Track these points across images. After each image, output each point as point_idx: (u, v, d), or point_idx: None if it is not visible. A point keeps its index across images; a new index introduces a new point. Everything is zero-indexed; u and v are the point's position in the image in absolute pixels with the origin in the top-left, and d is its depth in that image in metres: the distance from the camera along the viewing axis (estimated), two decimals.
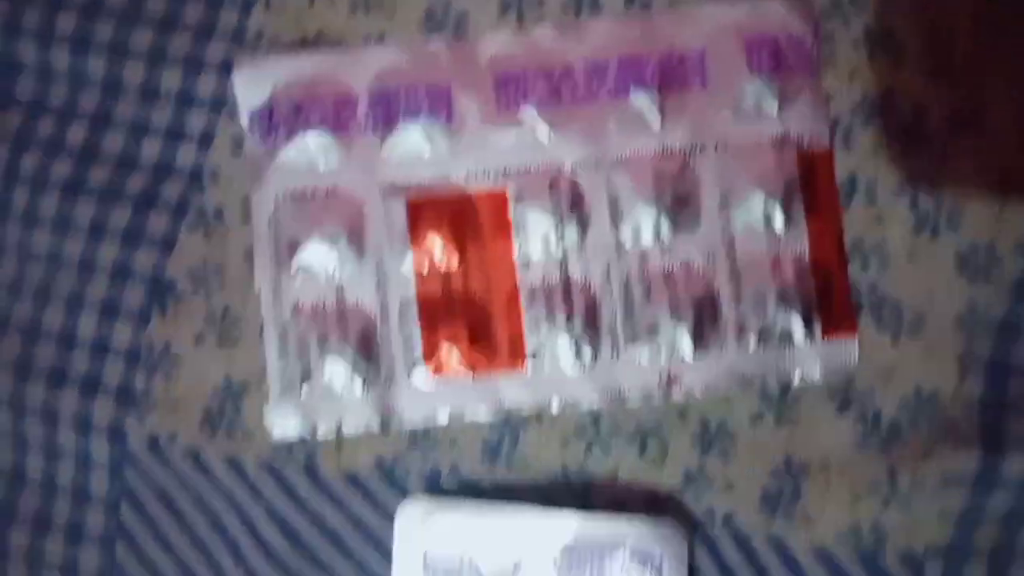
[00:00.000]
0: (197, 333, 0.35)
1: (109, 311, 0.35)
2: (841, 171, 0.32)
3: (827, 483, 0.31)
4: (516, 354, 0.32)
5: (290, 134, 0.33)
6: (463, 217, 0.32)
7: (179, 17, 0.36)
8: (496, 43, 0.33)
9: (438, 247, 0.32)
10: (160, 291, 0.35)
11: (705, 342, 0.31)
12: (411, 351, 0.32)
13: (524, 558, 0.33)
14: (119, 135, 0.36)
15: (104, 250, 0.35)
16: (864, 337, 0.30)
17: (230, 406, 0.34)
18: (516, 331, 0.32)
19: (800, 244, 0.31)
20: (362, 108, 0.33)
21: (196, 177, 0.35)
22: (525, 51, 0.33)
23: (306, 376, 0.32)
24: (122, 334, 0.35)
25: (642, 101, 0.32)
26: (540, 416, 0.33)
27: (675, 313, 0.31)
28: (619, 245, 0.32)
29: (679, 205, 0.32)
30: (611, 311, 0.32)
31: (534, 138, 0.32)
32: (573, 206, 0.32)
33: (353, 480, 0.34)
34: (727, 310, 0.32)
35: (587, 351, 0.31)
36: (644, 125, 0.32)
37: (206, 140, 0.35)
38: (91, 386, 0.35)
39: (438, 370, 0.32)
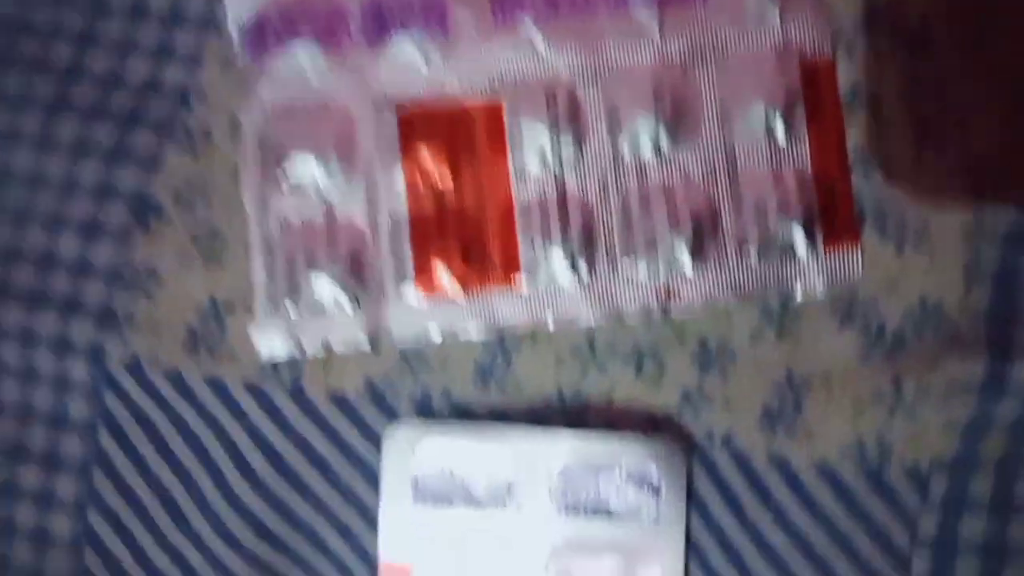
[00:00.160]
0: (181, 253, 0.36)
1: (91, 231, 0.36)
2: (844, 81, 0.33)
3: (829, 397, 0.31)
4: (510, 270, 0.32)
5: (280, 47, 0.34)
6: (457, 131, 0.33)
7: None
8: None
9: (430, 161, 0.33)
10: (144, 211, 0.36)
11: (704, 256, 0.32)
12: (402, 268, 0.33)
13: (517, 480, 0.33)
14: (105, 54, 0.37)
15: (87, 169, 0.36)
16: (868, 248, 0.30)
17: (214, 327, 0.35)
18: (510, 247, 0.32)
19: (802, 155, 0.32)
20: (355, 20, 0.34)
21: (183, 96, 0.36)
22: None
23: (293, 292, 0.32)
24: (104, 254, 0.36)
25: (641, 11, 0.33)
26: (535, 336, 0.34)
27: (674, 226, 0.32)
28: (617, 158, 0.33)
29: (678, 116, 0.32)
30: (608, 225, 0.32)
31: (531, 49, 0.33)
32: (570, 118, 0.33)
33: (340, 402, 0.34)
34: (727, 223, 0.32)
35: (583, 266, 0.32)
36: (643, 35, 0.33)
37: (194, 59, 0.36)
38: (71, 307, 0.36)
39: (429, 287, 0.32)
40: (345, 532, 0.35)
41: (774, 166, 0.32)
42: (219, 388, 0.35)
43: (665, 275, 0.32)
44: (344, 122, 0.33)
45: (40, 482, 0.37)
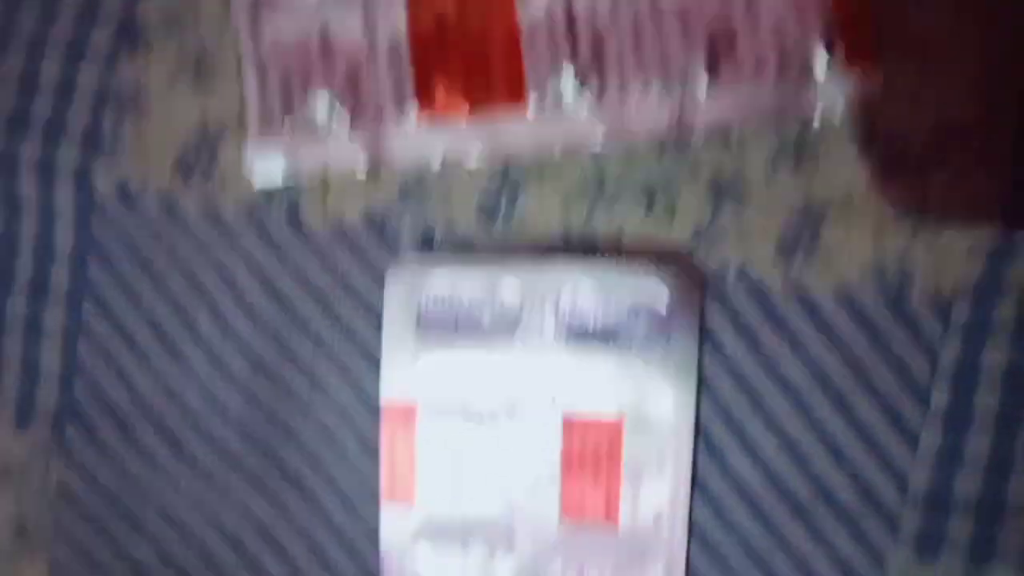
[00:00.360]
0: (170, 74, 0.36)
1: (75, 53, 0.36)
2: None
3: (849, 223, 0.31)
4: (516, 92, 0.33)
5: None
6: None
7: None
8: None
9: None
10: (131, 31, 0.37)
11: (720, 76, 0.32)
12: (402, 88, 0.33)
13: (524, 312, 0.34)
14: None
15: None
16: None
17: (206, 151, 0.36)
18: (516, 67, 0.33)
19: None
20: None
21: None
22: None
23: (288, 110, 0.33)
24: (88, 76, 0.36)
25: None
26: (541, 170, 0.34)
27: (689, 45, 0.32)
28: None
29: None
30: (619, 43, 0.33)
31: None
32: None
33: (340, 233, 0.35)
34: (744, 41, 0.32)
35: (592, 87, 0.32)
36: None
37: None
38: (55, 131, 0.36)
39: (430, 109, 0.33)
40: (345, 372, 0.37)
41: None
42: (213, 215, 0.36)
43: (678, 97, 0.32)
44: None
45: (28, 313, 0.38)
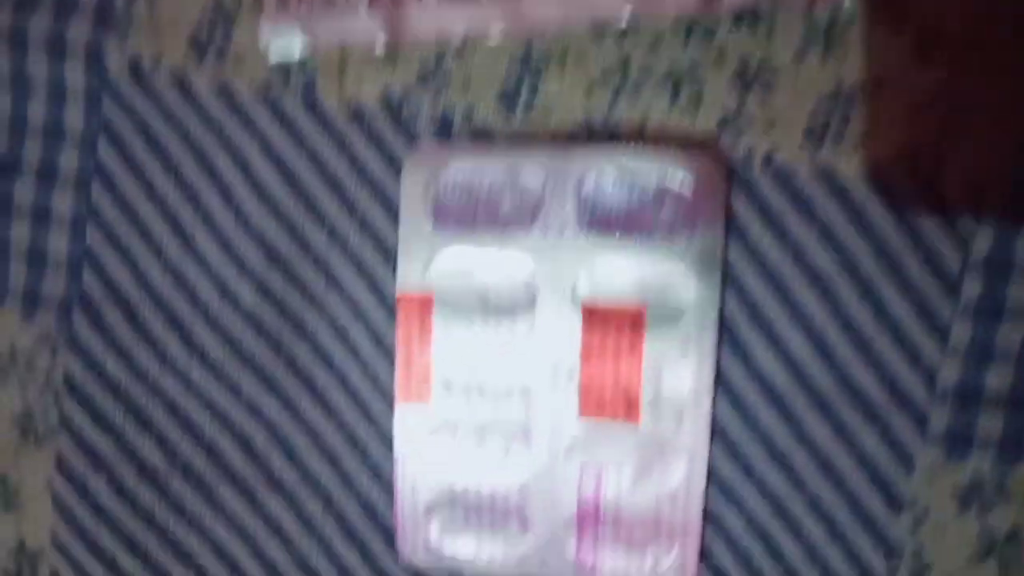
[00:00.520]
0: None
1: None
2: None
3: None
4: None
5: None
6: None
7: None
8: None
9: None
10: None
11: None
12: None
13: (546, 198, 0.34)
14: None
15: None
16: None
17: (220, 28, 0.36)
18: None
19: None
20: None
21: None
22: None
23: None
24: None
25: None
26: (564, 56, 0.36)
27: None
28: None
29: None
30: None
31: None
32: None
33: (357, 116, 0.36)
34: None
35: None
36: None
37: None
38: (65, 5, 0.37)
39: None
40: (360, 265, 0.38)
41: None
42: (227, 95, 0.37)
43: None
44: None
45: (35, 198, 0.39)
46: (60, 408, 0.38)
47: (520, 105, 0.36)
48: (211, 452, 0.38)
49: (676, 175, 0.35)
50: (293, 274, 0.38)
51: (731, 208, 0.35)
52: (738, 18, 0.35)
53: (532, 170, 0.35)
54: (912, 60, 0.34)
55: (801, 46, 0.34)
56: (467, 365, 0.36)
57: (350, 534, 0.39)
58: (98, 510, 0.38)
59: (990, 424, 0.34)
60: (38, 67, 0.38)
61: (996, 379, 0.32)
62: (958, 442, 0.34)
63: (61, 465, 0.38)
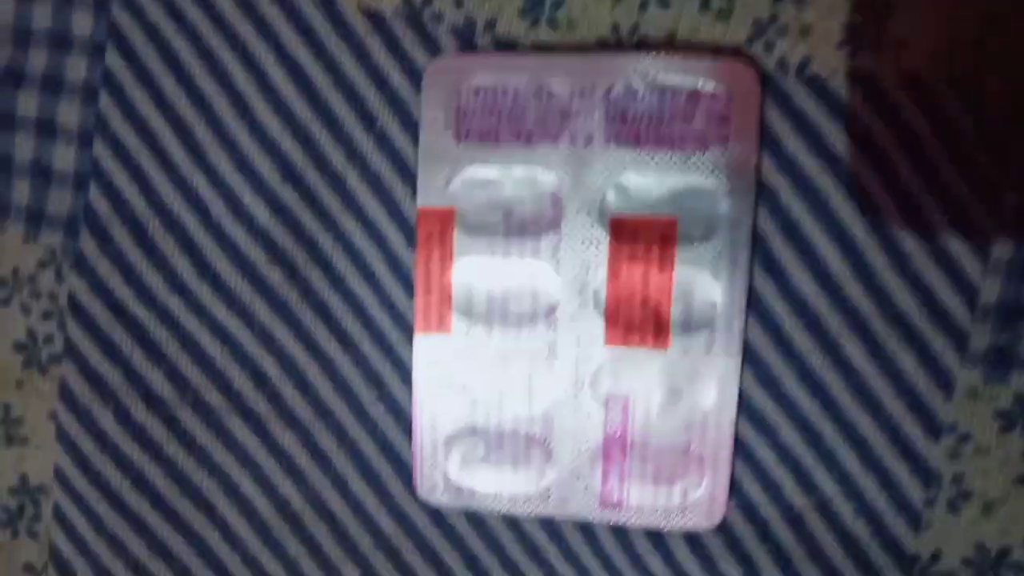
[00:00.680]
0: None
1: None
2: None
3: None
4: None
5: None
6: None
7: None
8: None
9: None
10: None
11: None
12: None
13: (572, 112, 0.36)
14: None
15: None
16: None
17: None
18: None
19: None
20: None
21: None
22: None
23: None
24: None
25: None
26: None
27: None
28: None
29: None
30: None
31: None
32: None
33: (376, 25, 0.37)
34: None
35: None
36: None
37: None
38: None
39: None
40: (377, 184, 0.38)
41: None
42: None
43: None
44: None
45: (40, 110, 0.40)
46: (65, 334, 0.38)
47: (544, 16, 0.37)
48: (222, 383, 0.38)
49: (708, 85, 0.35)
50: (309, 192, 0.38)
51: (765, 118, 0.35)
52: None
53: (558, 81, 0.36)
54: None
55: None
56: (489, 287, 0.36)
57: (366, 471, 0.39)
58: (104, 443, 0.38)
59: None
60: None
61: None
62: (999, 362, 0.35)
63: (65, 395, 0.38)
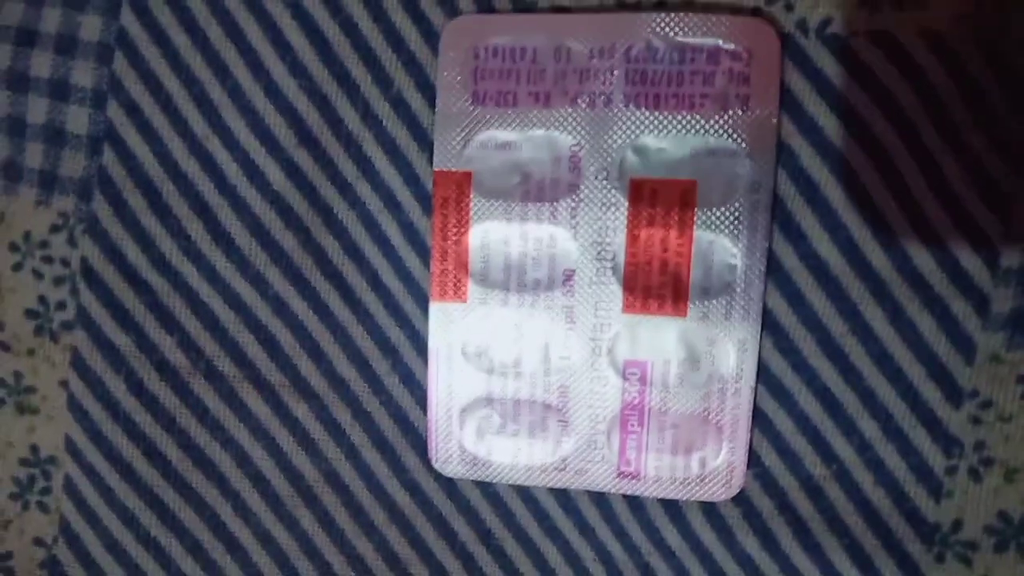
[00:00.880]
0: None
1: None
2: None
3: None
4: None
5: None
6: None
7: None
8: None
9: None
10: None
11: None
12: None
13: (591, 73, 0.36)
14: None
15: None
16: None
17: None
18: None
19: None
20: None
21: None
22: None
23: None
24: None
25: None
26: None
27: None
28: None
29: None
30: None
31: None
32: None
33: None
34: None
35: None
36: None
37: None
38: None
39: None
40: (392, 148, 0.38)
41: None
42: None
43: None
44: None
45: (53, 70, 0.40)
46: (77, 300, 0.38)
47: None
48: (235, 352, 0.38)
49: (728, 44, 0.35)
50: (324, 155, 0.38)
51: (785, 79, 0.36)
52: None
53: (577, 40, 0.36)
54: None
55: None
56: (506, 252, 0.36)
57: (380, 441, 0.39)
58: (115, 413, 0.38)
59: None
60: None
61: None
62: (1022, 327, 0.34)
63: (77, 363, 0.38)
